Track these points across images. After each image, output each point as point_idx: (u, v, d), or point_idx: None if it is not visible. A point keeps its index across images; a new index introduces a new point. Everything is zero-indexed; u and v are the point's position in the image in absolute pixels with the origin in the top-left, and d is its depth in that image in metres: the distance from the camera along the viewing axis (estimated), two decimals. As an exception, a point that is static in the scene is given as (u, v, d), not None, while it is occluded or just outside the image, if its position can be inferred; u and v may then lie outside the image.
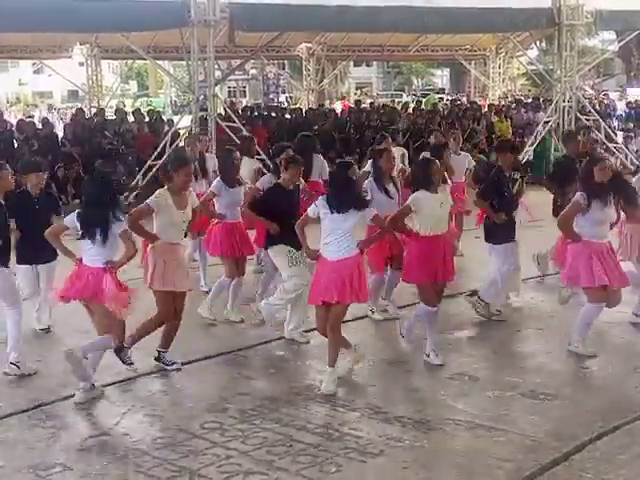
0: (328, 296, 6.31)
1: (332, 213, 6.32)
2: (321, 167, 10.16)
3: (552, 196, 9.43)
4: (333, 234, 6.34)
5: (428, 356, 6.98)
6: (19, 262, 7.76)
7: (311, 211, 6.52)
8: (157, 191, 6.80)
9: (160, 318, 6.79)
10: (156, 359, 6.91)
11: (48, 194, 8.23)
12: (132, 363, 6.72)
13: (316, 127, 19.90)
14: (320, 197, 6.58)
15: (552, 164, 12.98)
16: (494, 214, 8.04)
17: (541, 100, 25.67)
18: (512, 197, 8.22)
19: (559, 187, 9.06)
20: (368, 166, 12.58)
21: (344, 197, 6.33)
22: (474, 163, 11.21)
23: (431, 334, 7.03)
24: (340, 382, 6.52)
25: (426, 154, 9.17)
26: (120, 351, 6.54)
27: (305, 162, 8.19)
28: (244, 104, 31.45)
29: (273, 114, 22.82)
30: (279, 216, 7.41)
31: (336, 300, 6.30)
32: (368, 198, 7.03)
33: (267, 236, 7.66)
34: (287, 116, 22.48)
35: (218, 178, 8.40)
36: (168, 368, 6.85)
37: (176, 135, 16.37)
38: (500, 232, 8.09)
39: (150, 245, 6.77)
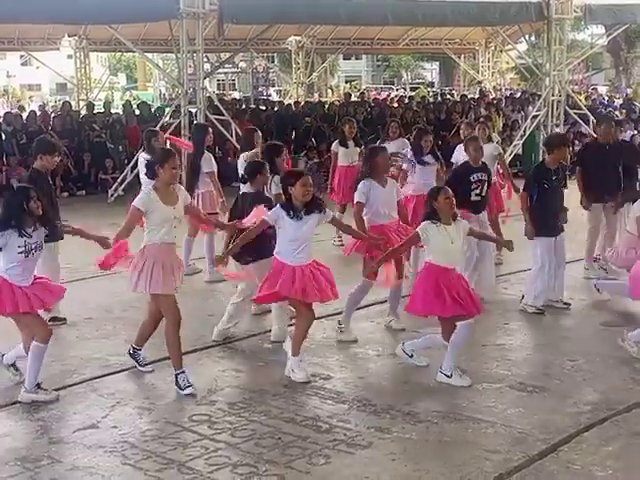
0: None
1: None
2: None
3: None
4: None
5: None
6: None
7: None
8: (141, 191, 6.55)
9: (175, 322, 6.32)
10: (130, 355, 6.77)
11: None
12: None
13: (309, 119, 19.95)
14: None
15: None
16: None
17: (527, 95, 25.67)
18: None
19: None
20: None
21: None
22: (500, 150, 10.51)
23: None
24: (329, 375, 6.55)
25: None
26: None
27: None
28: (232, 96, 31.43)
29: (262, 107, 22.74)
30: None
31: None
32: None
33: None
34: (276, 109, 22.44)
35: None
36: (141, 369, 6.72)
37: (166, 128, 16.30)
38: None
39: (143, 246, 6.29)
